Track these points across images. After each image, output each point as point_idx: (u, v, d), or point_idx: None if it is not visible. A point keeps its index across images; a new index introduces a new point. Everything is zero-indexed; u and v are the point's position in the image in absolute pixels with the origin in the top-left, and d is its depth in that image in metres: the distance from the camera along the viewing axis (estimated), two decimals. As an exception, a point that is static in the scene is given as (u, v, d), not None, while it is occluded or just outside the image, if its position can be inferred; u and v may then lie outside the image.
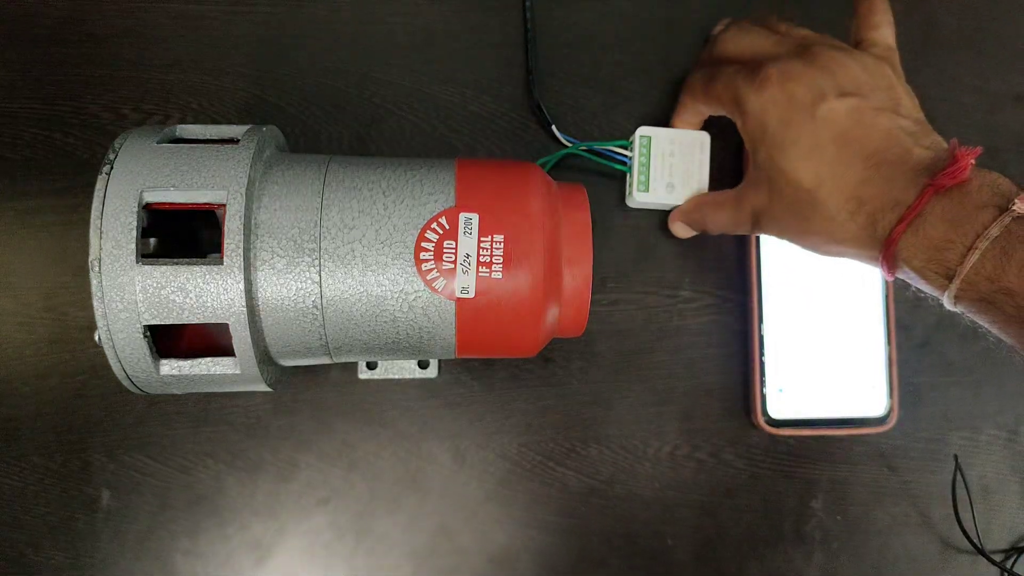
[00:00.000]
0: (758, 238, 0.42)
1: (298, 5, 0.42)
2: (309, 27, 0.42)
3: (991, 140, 0.45)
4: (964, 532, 0.42)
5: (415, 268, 0.30)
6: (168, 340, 0.31)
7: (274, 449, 0.41)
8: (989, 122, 0.45)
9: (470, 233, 0.30)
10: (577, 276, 0.32)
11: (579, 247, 0.32)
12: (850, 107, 0.31)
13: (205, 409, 0.41)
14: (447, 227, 0.30)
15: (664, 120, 0.42)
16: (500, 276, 0.30)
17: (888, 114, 0.32)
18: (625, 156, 0.41)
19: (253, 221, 0.29)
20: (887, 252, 0.29)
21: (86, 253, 0.28)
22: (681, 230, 0.41)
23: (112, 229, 0.28)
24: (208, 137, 0.32)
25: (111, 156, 0.29)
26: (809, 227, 0.32)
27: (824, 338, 0.42)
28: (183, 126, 0.32)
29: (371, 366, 0.40)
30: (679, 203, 0.40)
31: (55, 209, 0.40)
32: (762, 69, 0.33)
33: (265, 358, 0.31)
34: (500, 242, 0.30)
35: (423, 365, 0.40)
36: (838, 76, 0.32)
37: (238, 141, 0.31)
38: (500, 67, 0.43)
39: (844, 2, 0.38)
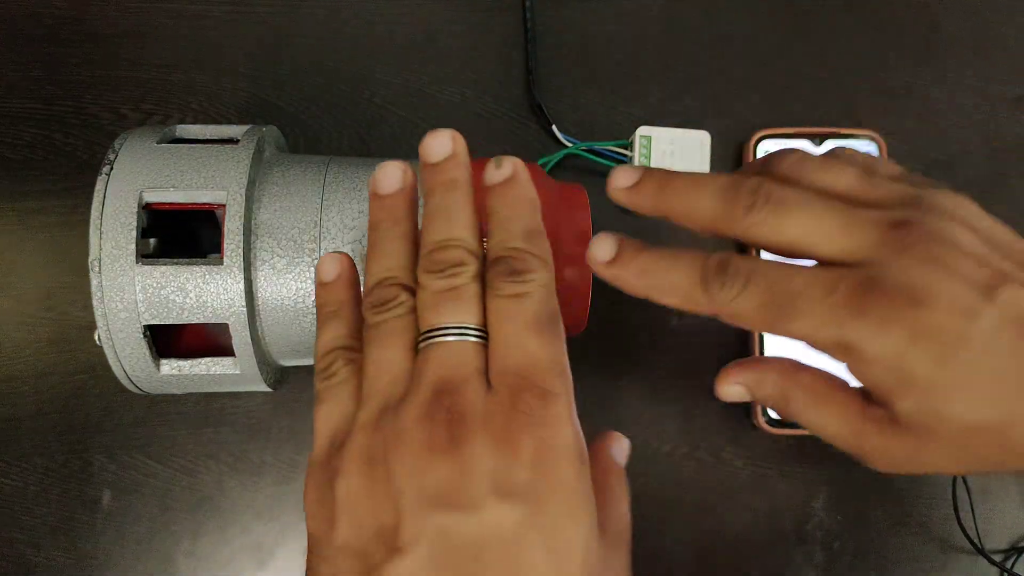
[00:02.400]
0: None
1: (298, 5, 0.42)
2: (309, 27, 0.42)
3: (992, 142, 0.45)
4: (964, 532, 0.42)
5: (415, 268, 0.30)
6: (168, 340, 0.31)
7: (275, 450, 0.41)
8: (990, 123, 0.45)
9: (470, 233, 0.30)
10: (577, 276, 0.32)
11: (579, 247, 0.32)
12: (1006, 305, 0.22)
13: (206, 410, 0.40)
14: (447, 227, 0.30)
15: (663, 119, 0.42)
16: (500, 276, 0.30)
17: None
18: (625, 156, 0.41)
19: (253, 221, 0.29)
20: None
21: (86, 253, 0.28)
22: (736, 396, 0.28)
23: (112, 229, 0.28)
24: (208, 137, 0.32)
25: (111, 156, 0.29)
26: (997, 467, 0.24)
27: (824, 338, 0.41)
28: (183, 126, 0.32)
29: (371, 366, 0.40)
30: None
31: (55, 209, 0.40)
32: (871, 293, 0.23)
33: (265, 358, 0.31)
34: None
35: (423, 365, 0.40)
36: (963, 264, 0.23)
37: (238, 141, 0.31)
38: (500, 67, 0.43)
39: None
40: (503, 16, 0.43)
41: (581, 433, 0.22)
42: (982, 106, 0.45)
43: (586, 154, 0.41)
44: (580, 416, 0.40)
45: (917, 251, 0.23)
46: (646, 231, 0.43)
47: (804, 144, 0.42)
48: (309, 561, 0.22)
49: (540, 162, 0.41)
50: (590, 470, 0.23)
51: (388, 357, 0.23)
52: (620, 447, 0.28)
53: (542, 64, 0.43)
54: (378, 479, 0.21)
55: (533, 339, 0.22)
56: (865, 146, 0.42)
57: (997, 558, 0.43)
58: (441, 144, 0.25)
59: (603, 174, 0.42)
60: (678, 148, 0.40)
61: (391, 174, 0.25)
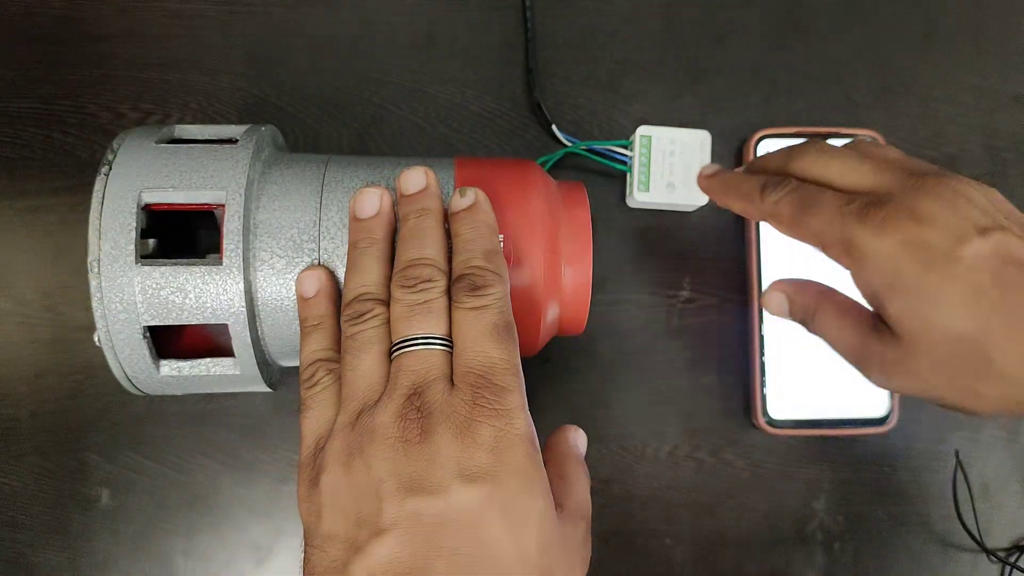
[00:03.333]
0: (758, 236, 0.41)
1: (297, 4, 0.42)
2: (308, 26, 0.42)
3: (991, 140, 0.45)
4: (965, 528, 0.42)
5: (415, 268, 0.30)
6: (167, 341, 0.31)
7: (272, 450, 0.41)
8: (989, 122, 0.45)
9: (470, 233, 0.30)
10: (577, 275, 0.32)
11: (579, 245, 0.32)
12: (996, 242, 0.26)
13: (203, 409, 0.40)
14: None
15: (663, 119, 0.41)
16: (500, 276, 0.30)
17: None
18: (625, 155, 0.41)
19: (252, 221, 0.29)
20: None
21: (85, 253, 0.28)
22: (776, 305, 0.33)
23: (111, 230, 0.28)
24: (207, 137, 0.32)
25: (109, 156, 0.29)
26: (977, 388, 0.27)
27: (824, 338, 0.41)
28: (181, 126, 0.32)
29: (371, 366, 0.40)
30: (681, 202, 0.40)
31: (54, 208, 0.40)
32: (878, 207, 0.27)
33: (265, 359, 0.31)
34: (500, 241, 0.30)
35: (423, 365, 0.40)
36: (968, 209, 0.27)
37: (237, 141, 0.31)
38: (500, 67, 0.43)
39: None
40: (503, 16, 0.43)
41: (532, 423, 0.25)
42: (982, 104, 0.45)
43: (586, 153, 0.41)
44: (580, 415, 0.40)
45: (931, 190, 0.27)
46: (648, 228, 0.43)
47: (804, 144, 0.42)
48: (305, 551, 0.25)
49: (540, 161, 0.41)
50: (552, 456, 0.29)
51: (364, 365, 0.26)
52: (577, 437, 0.31)
53: (542, 64, 0.42)
54: (357, 472, 0.24)
55: (491, 345, 0.25)
56: (865, 146, 0.42)
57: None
58: (416, 179, 0.28)
59: (603, 174, 0.42)
60: (678, 148, 0.40)
61: (370, 200, 0.28)
